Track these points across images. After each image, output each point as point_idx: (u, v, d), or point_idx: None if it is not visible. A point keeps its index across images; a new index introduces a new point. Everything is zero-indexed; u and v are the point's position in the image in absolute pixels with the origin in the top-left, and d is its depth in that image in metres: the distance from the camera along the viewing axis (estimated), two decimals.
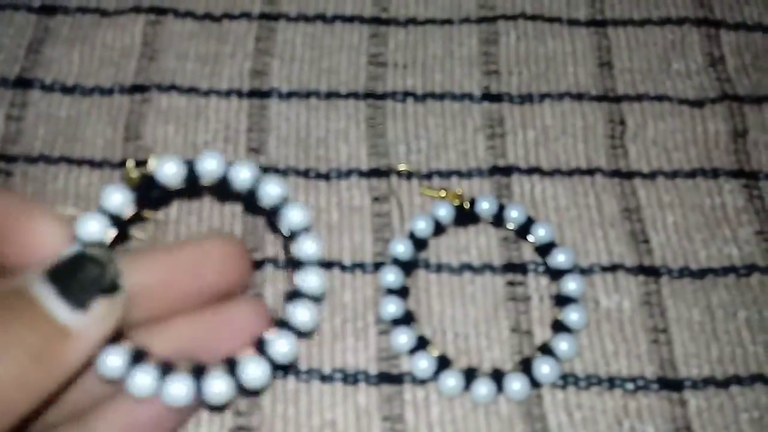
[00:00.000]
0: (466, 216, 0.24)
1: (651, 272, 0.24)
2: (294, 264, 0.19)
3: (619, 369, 0.23)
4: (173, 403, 0.17)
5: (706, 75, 0.28)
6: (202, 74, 0.27)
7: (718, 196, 0.25)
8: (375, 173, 0.26)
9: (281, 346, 0.18)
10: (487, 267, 0.24)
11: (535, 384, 0.22)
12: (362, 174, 0.26)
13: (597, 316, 0.23)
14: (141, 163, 0.22)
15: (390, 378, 0.22)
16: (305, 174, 0.26)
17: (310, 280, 0.19)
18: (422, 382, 0.22)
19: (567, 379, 0.22)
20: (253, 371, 0.18)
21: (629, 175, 0.26)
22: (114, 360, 0.17)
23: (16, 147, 0.26)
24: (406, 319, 0.23)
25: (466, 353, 0.23)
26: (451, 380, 0.22)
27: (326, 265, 0.24)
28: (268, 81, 0.27)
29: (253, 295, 0.23)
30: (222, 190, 0.19)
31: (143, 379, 0.17)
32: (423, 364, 0.22)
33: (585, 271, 0.24)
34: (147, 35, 0.28)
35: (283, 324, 0.19)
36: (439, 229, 0.24)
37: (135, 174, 0.19)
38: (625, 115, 0.27)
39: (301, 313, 0.19)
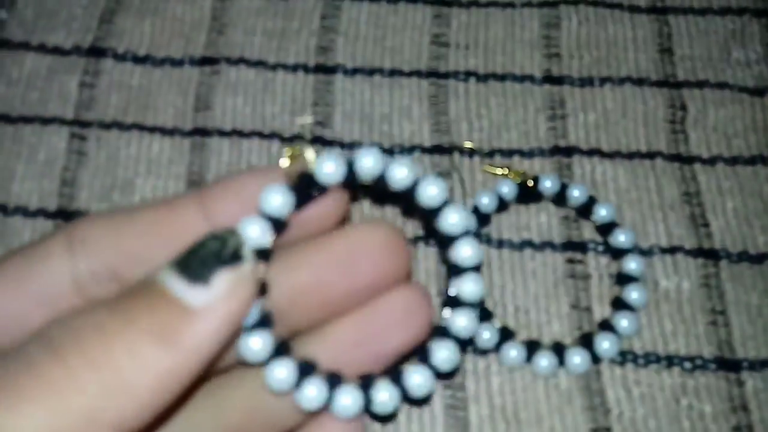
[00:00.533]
0: (528, 194, 0.25)
1: (710, 255, 0.24)
2: (452, 270, 0.18)
3: (677, 348, 0.23)
4: (342, 414, 0.17)
5: (765, 64, 0.28)
6: (269, 49, 0.28)
7: None
8: (437, 149, 0.26)
9: (443, 353, 0.17)
10: (548, 244, 0.25)
11: (595, 359, 0.22)
12: (425, 150, 0.26)
13: (656, 297, 0.24)
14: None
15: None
16: None
17: (468, 287, 0.18)
18: (484, 352, 0.23)
19: (626, 356, 0.23)
20: (418, 380, 0.17)
21: (689, 160, 0.26)
22: (281, 372, 0.16)
23: (90, 113, 0.27)
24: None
25: (526, 327, 0.23)
26: (513, 351, 0.22)
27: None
28: (333, 57, 0.28)
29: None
30: (379, 189, 0.18)
31: (312, 391, 0.16)
32: (486, 335, 0.22)
33: (645, 252, 0.24)
34: (216, 9, 0.29)
35: (442, 331, 0.18)
36: (501, 204, 0.25)
37: (292, 167, 0.17)
38: (686, 101, 0.27)
39: (461, 321, 0.18)
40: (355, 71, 0.28)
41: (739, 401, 0.22)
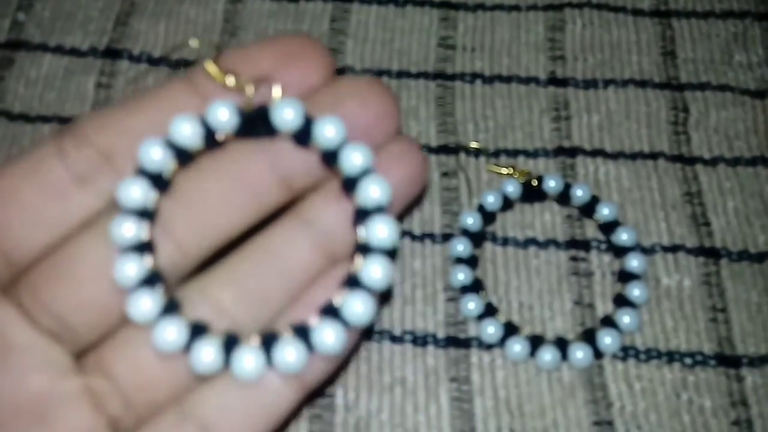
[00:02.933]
0: (533, 193, 0.25)
1: (711, 254, 0.25)
2: (360, 214, 0.17)
3: (678, 344, 0.23)
4: (242, 377, 0.16)
5: (767, 67, 0.29)
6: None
7: None
8: (444, 149, 0.27)
9: (356, 306, 0.16)
10: (552, 242, 0.25)
11: (597, 354, 0.23)
12: (431, 150, 0.27)
13: (657, 294, 0.24)
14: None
15: (457, 342, 0.23)
16: None
17: (379, 231, 0.17)
18: (489, 347, 0.23)
19: (628, 352, 0.23)
20: (329, 337, 0.16)
21: (691, 160, 0.27)
22: (171, 332, 0.16)
23: None
24: (475, 286, 0.24)
25: (530, 322, 0.24)
26: (518, 346, 0.23)
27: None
28: (342, 59, 0.29)
29: None
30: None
31: (207, 354, 0.16)
32: (491, 330, 0.23)
33: (647, 251, 0.25)
34: (228, 12, 0.29)
35: (353, 282, 0.17)
36: (506, 203, 0.25)
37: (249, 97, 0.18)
38: (688, 103, 0.28)
39: (374, 270, 0.17)
40: (363, 72, 0.28)
41: (739, 396, 0.23)
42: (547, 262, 0.25)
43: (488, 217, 0.25)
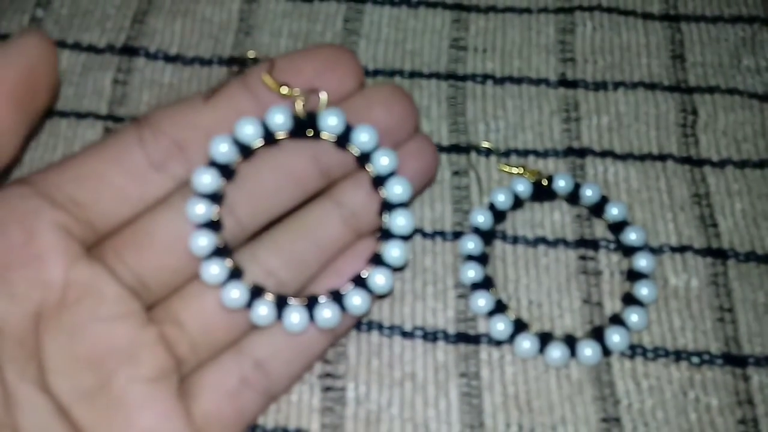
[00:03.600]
0: (543, 192, 0.26)
1: (718, 254, 0.25)
2: (385, 206, 0.22)
3: (685, 343, 0.24)
4: (290, 330, 0.21)
5: None
6: (294, 49, 0.29)
7: None
8: (455, 149, 0.27)
9: (380, 279, 0.22)
10: (561, 241, 0.25)
11: (605, 351, 0.23)
12: (443, 149, 0.27)
13: (665, 293, 0.25)
14: None
15: (467, 338, 0.24)
16: None
17: (399, 221, 0.22)
18: (498, 343, 0.24)
19: (635, 350, 0.24)
20: (357, 301, 0.22)
21: (699, 162, 0.27)
22: (235, 293, 0.21)
23: (122, 108, 0.28)
24: (485, 284, 0.24)
25: (539, 320, 0.24)
26: (527, 342, 0.23)
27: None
28: None
29: None
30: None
31: (263, 311, 0.21)
32: (500, 326, 0.23)
33: (655, 251, 0.25)
34: (243, 12, 0.30)
35: (378, 260, 0.22)
36: (517, 202, 0.26)
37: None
38: (696, 106, 0.28)
39: (394, 251, 0.22)
40: (376, 72, 0.29)
41: (745, 395, 0.23)
42: (556, 260, 0.25)
43: (498, 215, 0.25)
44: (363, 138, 0.22)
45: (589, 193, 0.25)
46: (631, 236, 0.25)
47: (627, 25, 0.30)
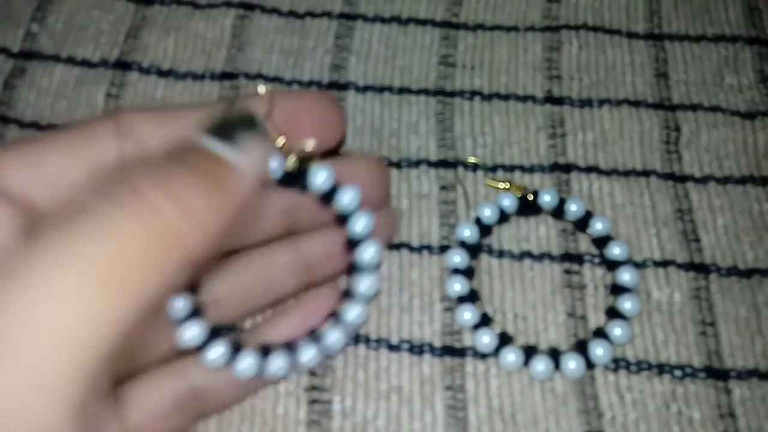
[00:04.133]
0: (528, 207, 0.26)
1: (701, 269, 0.26)
2: (350, 243, 0.23)
3: (668, 357, 0.24)
4: (274, 375, 0.22)
5: (757, 90, 0.30)
6: (286, 66, 0.30)
7: (766, 202, 0.27)
8: (442, 164, 0.28)
9: (354, 312, 0.22)
10: (546, 255, 0.26)
11: (589, 365, 0.24)
12: (431, 164, 0.28)
13: (649, 307, 0.25)
14: None
15: (453, 351, 0.24)
16: None
17: (367, 255, 0.23)
18: (483, 356, 0.24)
19: (619, 363, 0.24)
20: (334, 338, 0.22)
21: (682, 178, 0.27)
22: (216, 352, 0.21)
23: None
24: (471, 297, 0.24)
25: (524, 333, 0.24)
26: (512, 356, 0.23)
27: (396, 246, 0.26)
28: (346, 75, 0.29)
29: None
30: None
31: (246, 363, 0.21)
32: (486, 339, 0.24)
33: (638, 265, 0.25)
34: (236, 28, 0.30)
35: (349, 294, 0.23)
36: (503, 217, 0.26)
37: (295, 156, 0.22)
38: (680, 123, 0.29)
39: (363, 284, 0.23)
40: (366, 88, 0.29)
41: (727, 409, 0.23)
42: (541, 274, 0.25)
43: (485, 229, 0.26)
44: (347, 199, 0.22)
45: (573, 208, 0.26)
46: (615, 251, 0.25)
47: (612, 44, 0.31)
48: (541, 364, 0.23)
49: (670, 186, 0.27)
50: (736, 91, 0.30)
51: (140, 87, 0.29)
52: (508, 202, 0.26)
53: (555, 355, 0.24)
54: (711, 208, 0.27)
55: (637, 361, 0.24)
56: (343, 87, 0.29)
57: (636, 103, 0.29)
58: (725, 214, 0.27)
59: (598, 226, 0.26)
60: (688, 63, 0.30)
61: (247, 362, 0.21)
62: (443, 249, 0.26)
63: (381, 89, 0.29)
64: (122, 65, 0.29)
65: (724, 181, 0.27)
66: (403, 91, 0.29)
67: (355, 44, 0.30)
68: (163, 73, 0.29)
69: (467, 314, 0.24)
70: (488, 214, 0.26)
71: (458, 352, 0.24)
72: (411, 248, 0.26)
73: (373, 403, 0.23)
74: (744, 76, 0.30)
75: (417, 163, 0.28)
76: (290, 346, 0.22)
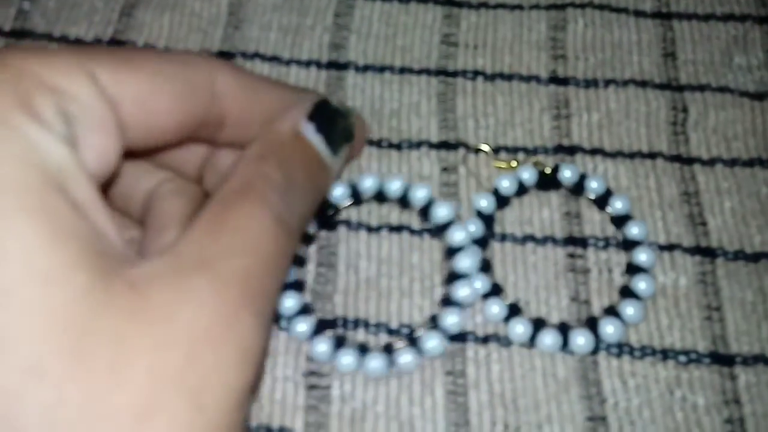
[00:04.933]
0: (548, 181, 0.26)
1: (707, 253, 0.25)
2: (449, 251, 0.24)
3: (672, 342, 0.24)
4: (372, 375, 0.23)
5: (767, 70, 0.29)
6: (284, 44, 0.29)
7: None
8: (444, 145, 0.27)
9: (452, 319, 0.23)
10: (550, 239, 0.25)
11: (598, 343, 0.23)
12: (432, 145, 0.27)
13: (654, 291, 0.24)
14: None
15: (454, 335, 0.24)
16: (378, 144, 0.27)
17: (464, 263, 0.24)
18: (485, 340, 0.23)
19: (623, 348, 0.23)
20: (433, 343, 0.23)
21: (689, 160, 0.27)
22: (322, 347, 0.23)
23: None
24: (485, 267, 0.24)
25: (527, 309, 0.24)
26: (520, 327, 0.23)
27: (396, 228, 0.25)
28: (345, 54, 0.29)
29: None
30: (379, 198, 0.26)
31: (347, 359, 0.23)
32: (495, 309, 0.23)
33: None
34: (233, 5, 0.30)
35: (448, 302, 0.24)
36: (521, 189, 0.26)
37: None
38: (687, 104, 0.28)
39: (463, 291, 0.23)
40: (366, 68, 0.29)
41: (732, 395, 0.23)
42: (544, 258, 0.25)
43: (502, 201, 0.26)
44: (444, 211, 0.25)
45: (594, 185, 0.25)
46: (633, 230, 0.25)
47: (619, 23, 0.30)
48: (549, 338, 0.23)
49: (677, 168, 0.27)
50: (745, 72, 0.29)
51: None
52: (528, 175, 0.26)
53: (564, 329, 0.23)
54: (718, 190, 0.26)
55: (641, 346, 0.24)
56: (342, 66, 0.28)
57: (643, 84, 0.28)
58: (732, 197, 0.26)
59: (617, 205, 0.25)
60: (696, 42, 0.30)
61: (347, 359, 0.22)
62: (443, 229, 0.25)
63: (381, 69, 0.29)
64: (116, 44, 0.29)
65: (732, 163, 0.27)
66: (404, 70, 0.28)
67: (355, 22, 0.30)
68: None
69: (479, 282, 0.24)
70: (507, 185, 0.25)
71: (459, 337, 0.24)
72: (412, 231, 0.25)
73: (372, 388, 0.23)
74: (753, 56, 0.29)
75: (418, 145, 0.27)
76: (389, 348, 0.23)
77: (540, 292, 0.24)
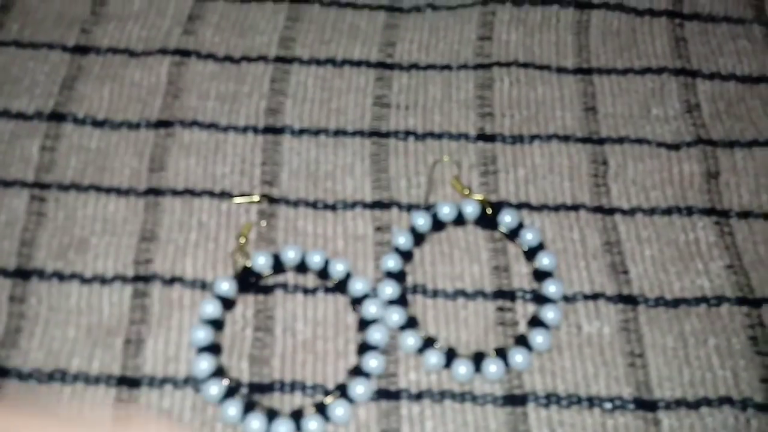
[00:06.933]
0: (487, 219, 0.27)
1: (629, 301, 0.26)
2: (362, 323, 0.25)
3: (598, 390, 0.25)
4: None
5: (683, 120, 0.31)
6: (221, 111, 0.30)
7: (691, 232, 0.28)
8: (378, 205, 0.28)
9: (360, 389, 0.24)
10: (480, 293, 0.26)
11: (509, 368, 0.25)
12: (366, 205, 0.28)
13: (579, 341, 0.25)
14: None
15: (388, 394, 0.24)
16: (314, 205, 0.28)
17: (376, 336, 0.25)
18: (418, 397, 0.24)
19: (551, 398, 0.24)
20: (340, 412, 0.23)
21: (611, 211, 0.28)
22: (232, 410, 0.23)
23: (50, 175, 0.28)
24: (401, 301, 0.26)
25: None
26: (434, 358, 0.24)
27: (332, 289, 0.26)
28: (282, 119, 0.30)
29: None
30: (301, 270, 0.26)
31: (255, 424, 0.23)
32: (410, 341, 0.25)
33: (569, 299, 0.26)
34: (172, 75, 0.31)
35: (357, 371, 0.24)
36: (438, 226, 0.27)
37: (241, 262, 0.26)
38: (607, 156, 0.29)
39: (372, 362, 0.24)
40: (301, 131, 0.30)
41: None
42: (474, 312, 0.26)
43: (419, 237, 0.27)
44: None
45: (529, 237, 0.27)
46: (544, 261, 0.26)
47: (542, 80, 0.31)
48: (462, 367, 0.24)
49: (599, 219, 0.28)
50: (663, 122, 0.31)
51: (75, 138, 0.29)
52: (448, 211, 0.27)
53: (477, 359, 0.24)
54: (639, 239, 0.28)
55: (567, 395, 0.24)
56: (278, 131, 0.29)
57: (565, 138, 0.30)
58: (652, 244, 0.27)
59: (544, 261, 0.26)
60: (616, 96, 0.31)
61: (256, 424, 0.23)
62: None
63: (317, 132, 0.30)
64: (57, 117, 0.29)
65: (651, 212, 0.28)
66: (338, 133, 0.30)
67: (291, 88, 0.31)
68: (98, 123, 0.29)
69: (395, 316, 0.25)
70: (422, 222, 0.27)
71: (393, 395, 0.24)
72: (344, 291, 0.26)
73: None
74: (670, 107, 0.31)
75: (352, 205, 0.28)
76: (297, 415, 0.23)
77: (471, 347, 0.25)
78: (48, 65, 0.31)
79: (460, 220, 0.27)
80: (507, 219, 0.27)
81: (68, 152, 0.29)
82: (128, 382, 0.24)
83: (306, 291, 0.26)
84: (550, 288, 0.26)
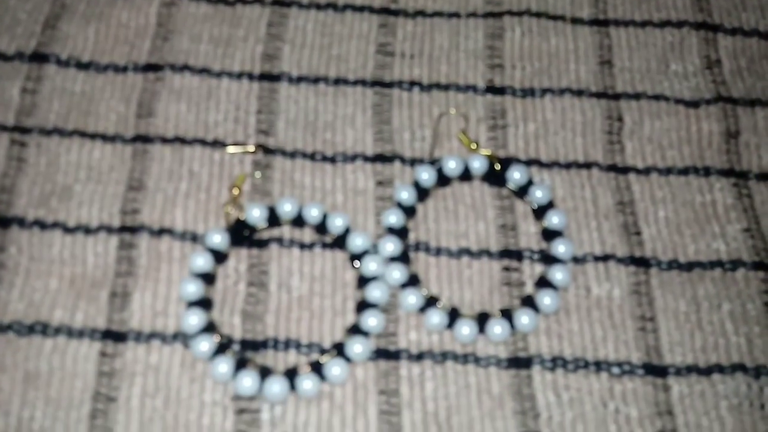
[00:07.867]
0: (495, 176, 0.26)
1: (641, 263, 0.25)
2: (361, 281, 0.24)
3: (606, 354, 0.24)
4: (272, 400, 0.22)
5: (703, 77, 0.29)
6: (215, 56, 0.28)
7: (708, 193, 0.26)
8: (379, 158, 0.26)
9: (358, 348, 0.23)
10: (485, 252, 0.25)
11: (514, 330, 0.24)
12: (367, 158, 0.26)
13: (588, 303, 0.24)
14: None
15: (387, 354, 0.23)
16: (312, 157, 0.26)
17: (375, 293, 0.23)
18: (419, 357, 0.23)
19: (557, 362, 0.23)
20: (337, 371, 0.22)
21: (624, 170, 0.27)
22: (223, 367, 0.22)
23: (31, 119, 0.26)
24: (403, 258, 0.24)
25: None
26: (436, 317, 0.23)
27: (330, 245, 0.25)
28: (279, 65, 0.28)
29: None
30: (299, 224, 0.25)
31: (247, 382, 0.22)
32: (412, 300, 0.23)
33: (578, 260, 0.25)
34: (162, 16, 0.29)
35: (355, 329, 0.23)
36: (443, 181, 0.26)
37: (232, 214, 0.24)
38: (622, 112, 0.28)
39: (371, 321, 0.23)
40: (300, 79, 0.28)
41: (665, 406, 0.23)
42: (479, 272, 0.25)
43: (423, 192, 0.26)
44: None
45: (539, 195, 0.26)
46: (553, 220, 0.25)
47: (556, 30, 0.30)
48: (465, 327, 0.23)
49: (612, 178, 0.27)
50: (681, 78, 0.29)
51: (58, 80, 0.27)
52: (454, 165, 0.26)
53: (481, 319, 0.23)
54: (653, 199, 0.26)
55: (574, 358, 0.23)
56: (275, 78, 0.28)
57: (579, 92, 0.28)
58: (667, 205, 0.26)
59: (554, 220, 0.25)
60: (633, 49, 0.30)
61: (248, 381, 0.22)
62: (378, 246, 0.25)
63: (316, 80, 0.28)
64: (39, 57, 0.28)
65: (667, 171, 0.27)
66: (338, 81, 0.28)
67: (289, 33, 0.29)
68: (82, 66, 0.27)
69: (397, 273, 0.24)
70: (426, 177, 0.26)
71: (393, 355, 0.23)
72: (343, 247, 0.25)
73: (303, 410, 0.22)
74: (689, 63, 0.29)
75: (353, 158, 0.26)
76: (292, 373, 0.22)
77: (475, 307, 0.24)
78: (30, 3, 0.29)
79: (466, 175, 0.26)
80: (516, 175, 0.26)
81: (51, 95, 0.27)
82: (113, 336, 0.23)
83: (303, 246, 0.25)
84: (560, 248, 0.24)
